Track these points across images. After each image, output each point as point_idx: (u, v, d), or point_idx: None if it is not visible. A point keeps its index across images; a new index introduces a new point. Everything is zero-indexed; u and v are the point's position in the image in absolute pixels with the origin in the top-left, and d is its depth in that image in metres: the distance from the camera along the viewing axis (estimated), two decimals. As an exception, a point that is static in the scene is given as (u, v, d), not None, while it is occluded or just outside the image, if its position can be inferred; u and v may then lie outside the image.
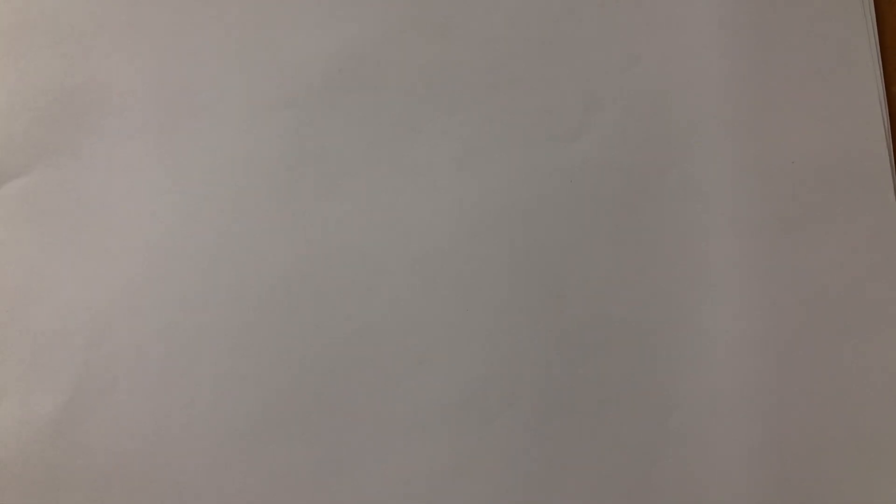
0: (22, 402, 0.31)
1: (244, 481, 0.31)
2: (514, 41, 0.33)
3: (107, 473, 0.31)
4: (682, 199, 0.33)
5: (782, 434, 0.31)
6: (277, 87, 0.33)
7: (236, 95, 0.33)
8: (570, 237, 0.32)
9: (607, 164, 0.33)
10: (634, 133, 0.33)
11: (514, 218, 0.33)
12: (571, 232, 0.32)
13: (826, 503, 0.31)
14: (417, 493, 0.31)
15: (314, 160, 0.33)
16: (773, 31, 0.33)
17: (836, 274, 0.32)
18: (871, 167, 0.33)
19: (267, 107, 0.33)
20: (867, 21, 0.33)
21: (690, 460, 0.31)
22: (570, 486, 0.31)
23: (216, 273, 0.32)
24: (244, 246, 0.32)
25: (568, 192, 0.33)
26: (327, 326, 0.32)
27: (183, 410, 0.31)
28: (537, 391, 0.32)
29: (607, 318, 0.32)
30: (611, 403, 0.32)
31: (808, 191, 0.33)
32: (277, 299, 0.32)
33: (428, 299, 0.32)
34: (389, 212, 0.32)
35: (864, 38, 0.33)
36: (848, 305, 0.32)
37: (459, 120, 0.33)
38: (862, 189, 0.33)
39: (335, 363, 0.32)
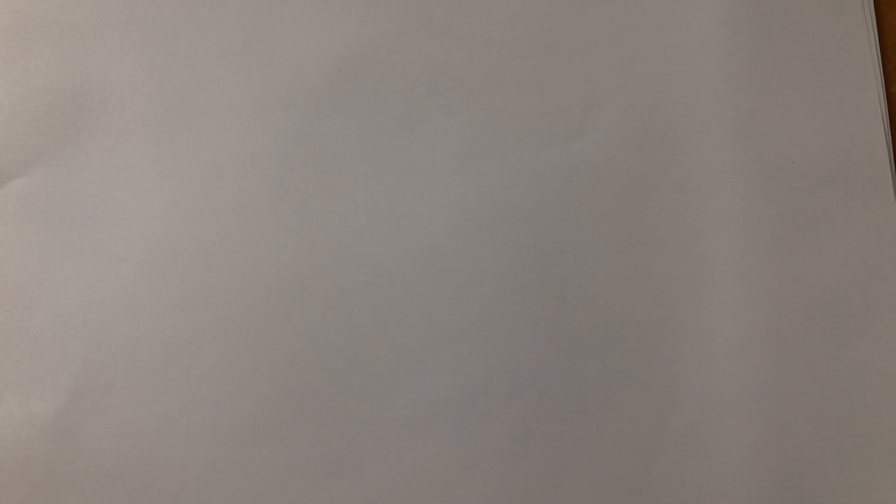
0: (22, 402, 0.31)
1: (244, 481, 0.31)
2: (515, 41, 0.33)
3: (107, 473, 0.31)
4: (682, 199, 0.33)
5: (782, 434, 0.31)
6: (277, 86, 0.33)
7: (236, 95, 0.33)
8: (570, 237, 0.32)
9: (607, 164, 0.33)
10: (634, 133, 0.33)
11: (514, 218, 0.33)
12: (571, 232, 0.32)
13: (826, 503, 0.31)
14: (417, 493, 0.31)
15: (314, 160, 0.33)
16: (772, 31, 0.33)
17: (836, 274, 0.32)
18: (871, 167, 0.33)
19: (267, 106, 0.33)
20: (867, 21, 0.33)
21: (690, 460, 0.31)
22: (571, 486, 0.31)
23: (216, 273, 0.32)
24: (244, 246, 0.32)
25: (568, 191, 0.33)
26: (327, 326, 0.32)
27: (182, 410, 0.31)
28: (537, 391, 0.32)
29: (607, 318, 0.32)
30: (611, 403, 0.32)
31: (808, 191, 0.33)
32: (277, 299, 0.32)
33: (428, 299, 0.32)
34: (389, 212, 0.32)
35: (864, 38, 0.33)
36: (848, 305, 0.32)
37: (460, 120, 0.33)
38: (862, 189, 0.33)
39: (335, 363, 0.32)
